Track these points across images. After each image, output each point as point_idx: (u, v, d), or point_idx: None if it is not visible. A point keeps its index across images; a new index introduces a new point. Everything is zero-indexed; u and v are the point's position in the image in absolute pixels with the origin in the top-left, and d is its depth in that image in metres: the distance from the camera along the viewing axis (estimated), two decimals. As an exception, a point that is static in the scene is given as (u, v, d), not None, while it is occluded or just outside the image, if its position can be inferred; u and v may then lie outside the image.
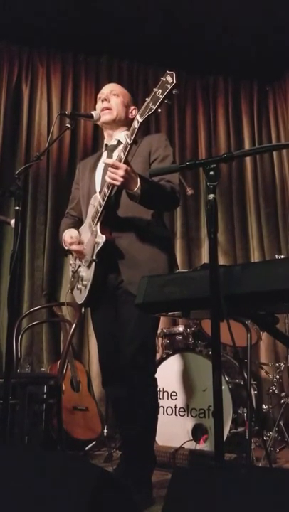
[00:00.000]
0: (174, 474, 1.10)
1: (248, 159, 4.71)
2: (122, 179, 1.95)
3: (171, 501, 1.05)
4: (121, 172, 1.94)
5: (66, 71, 4.43)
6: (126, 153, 1.98)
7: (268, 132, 4.88)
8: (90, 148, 4.33)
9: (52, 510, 1.04)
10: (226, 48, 4.39)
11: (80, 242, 2.25)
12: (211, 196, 1.40)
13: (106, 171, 2.09)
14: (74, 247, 2.24)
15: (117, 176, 1.95)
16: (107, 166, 2.00)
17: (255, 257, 4.49)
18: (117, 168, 1.95)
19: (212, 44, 4.33)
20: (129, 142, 1.97)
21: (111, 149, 2.34)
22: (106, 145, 2.40)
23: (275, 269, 1.32)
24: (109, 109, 2.31)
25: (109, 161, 1.99)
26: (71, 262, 2.39)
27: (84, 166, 2.47)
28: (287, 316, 3.36)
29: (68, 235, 2.29)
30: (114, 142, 2.34)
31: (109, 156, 2.31)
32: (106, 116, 2.31)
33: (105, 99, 2.32)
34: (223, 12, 3.94)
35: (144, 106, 1.91)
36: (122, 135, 2.28)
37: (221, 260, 4.27)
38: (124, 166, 1.95)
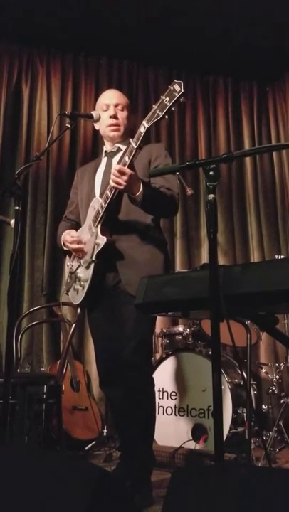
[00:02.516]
0: (174, 474, 1.10)
1: (247, 159, 4.71)
2: (125, 183, 1.99)
3: (170, 501, 1.05)
4: (125, 177, 1.98)
5: (66, 71, 4.43)
6: (131, 157, 2.00)
7: (268, 132, 4.88)
8: (89, 148, 4.33)
9: (52, 510, 1.04)
10: (226, 48, 4.39)
11: (80, 242, 2.26)
12: (211, 196, 1.40)
13: (106, 176, 2.10)
14: (74, 246, 2.25)
15: (121, 180, 1.98)
16: (113, 169, 2.02)
17: (254, 257, 4.50)
18: (122, 173, 1.97)
19: (212, 44, 4.33)
20: (135, 147, 1.99)
21: (111, 155, 2.36)
22: (106, 151, 2.41)
23: (274, 269, 1.32)
24: (118, 125, 2.32)
25: (116, 167, 2.01)
26: (68, 263, 2.40)
27: (83, 172, 2.49)
28: (287, 317, 3.36)
29: (68, 235, 2.30)
30: (115, 149, 2.36)
31: (109, 162, 2.34)
32: (114, 133, 2.33)
33: (114, 117, 2.31)
34: (223, 12, 3.94)
35: (151, 112, 1.95)
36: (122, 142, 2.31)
37: (221, 260, 4.27)
38: (129, 172, 1.98)
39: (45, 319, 3.77)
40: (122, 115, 2.34)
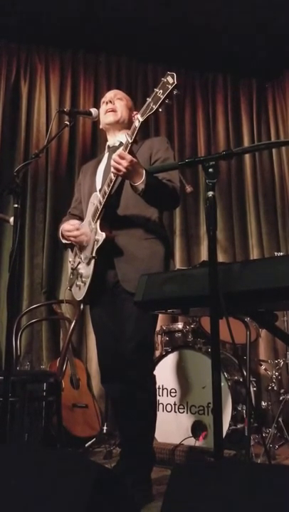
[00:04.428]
0: (174, 471, 1.10)
1: (247, 156, 4.71)
2: (125, 170, 1.96)
3: (170, 498, 1.05)
4: (125, 163, 1.95)
5: (65, 68, 4.42)
6: (126, 151, 1.99)
7: (267, 129, 4.88)
8: (88, 146, 4.32)
9: (52, 507, 1.05)
10: (225, 46, 4.38)
11: (78, 229, 2.24)
12: (210, 193, 1.40)
13: (107, 171, 2.08)
14: (74, 233, 2.23)
15: (121, 166, 1.96)
16: (114, 155, 2.00)
17: (254, 254, 4.50)
18: (122, 158, 1.95)
19: (211, 41, 4.32)
20: (130, 141, 1.98)
21: (113, 150, 2.34)
22: (108, 146, 2.41)
23: (274, 266, 1.32)
24: (114, 110, 2.33)
25: (117, 152, 1.98)
26: (70, 259, 2.39)
27: (86, 169, 2.50)
28: (287, 314, 3.36)
29: (67, 224, 2.29)
30: (117, 144, 2.35)
31: (110, 157, 2.31)
32: (110, 118, 2.33)
33: (110, 102, 2.34)
34: (223, 9, 3.93)
35: (145, 106, 1.93)
36: (123, 136, 2.29)
37: (220, 258, 4.27)
38: (130, 157, 1.96)
39: (45, 317, 3.77)
40: (120, 103, 2.35)
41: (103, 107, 2.37)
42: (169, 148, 2.32)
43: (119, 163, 1.96)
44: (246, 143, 4.75)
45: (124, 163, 1.95)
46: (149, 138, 2.49)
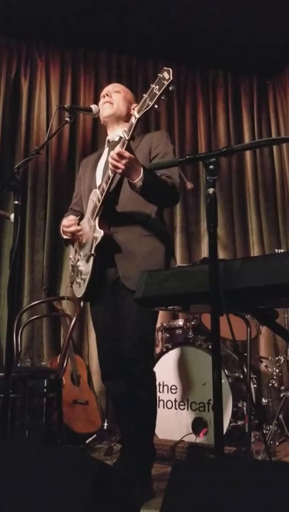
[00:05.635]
0: (174, 468, 1.10)
1: (247, 153, 4.70)
2: (123, 167, 1.96)
3: (171, 494, 1.06)
4: (123, 161, 1.95)
5: (65, 65, 4.42)
6: (124, 148, 1.98)
7: (268, 126, 4.87)
8: (89, 142, 4.32)
9: (52, 504, 1.05)
10: (226, 42, 4.36)
11: (77, 225, 2.25)
12: (211, 190, 1.39)
13: (107, 167, 2.08)
14: (72, 229, 2.24)
15: (120, 164, 1.95)
16: (112, 153, 2.00)
17: (254, 251, 4.49)
18: (120, 156, 1.95)
19: (212, 38, 4.31)
20: (127, 138, 1.97)
21: (113, 145, 2.33)
22: (108, 141, 2.40)
23: (274, 263, 1.32)
24: (110, 103, 2.31)
25: (116, 150, 1.98)
26: (71, 256, 2.40)
27: (86, 163, 2.48)
28: (287, 311, 3.36)
29: (66, 219, 2.29)
30: (116, 138, 2.34)
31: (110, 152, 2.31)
32: (106, 110, 2.32)
33: (107, 95, 2.34)
34: (223, 6, 3.92)
35: (141, 102, 1.92)
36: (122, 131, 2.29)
37: (221, 255, 4.27)
38: (128, 155, 1.95)
39: (46, 313, 3.77)
40: (117, 96, 2.34)
41: (101, 101, 2.36)
42: (169, 142, 2.31)
43: (117, 161, 1.96)
44: (247, 139, 4.74)
45: (123, 160, 1.95)
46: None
